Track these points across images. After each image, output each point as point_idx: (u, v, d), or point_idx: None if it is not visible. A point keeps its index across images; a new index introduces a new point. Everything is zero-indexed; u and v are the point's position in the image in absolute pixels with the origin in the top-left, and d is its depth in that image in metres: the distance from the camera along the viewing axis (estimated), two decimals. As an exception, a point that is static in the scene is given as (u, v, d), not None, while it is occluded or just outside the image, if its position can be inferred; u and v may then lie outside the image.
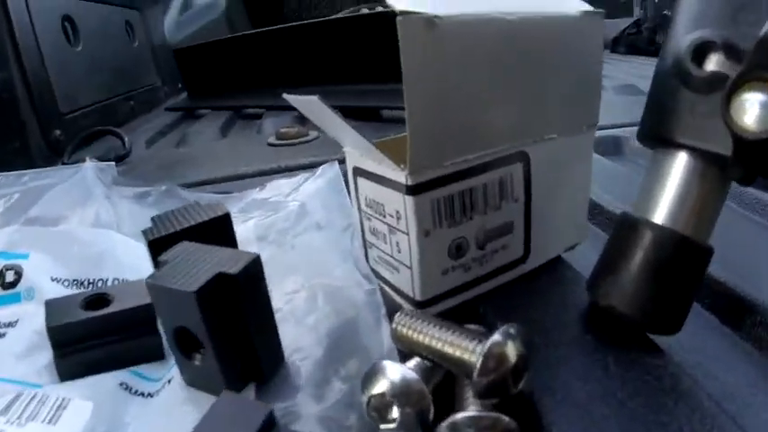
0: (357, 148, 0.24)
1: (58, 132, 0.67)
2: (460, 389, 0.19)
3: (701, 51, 0.19)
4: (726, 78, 0.17)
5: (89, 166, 0.36)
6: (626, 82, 0.83)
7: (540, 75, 0.23)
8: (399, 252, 0.23)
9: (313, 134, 0.64)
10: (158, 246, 0.22)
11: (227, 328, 0.19)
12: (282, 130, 0.63)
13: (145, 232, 0.24)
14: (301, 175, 0.36)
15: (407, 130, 0.19)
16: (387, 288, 0.25)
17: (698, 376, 0.20)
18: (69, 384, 0.20)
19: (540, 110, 0.23)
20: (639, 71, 0.96)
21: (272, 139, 0.64)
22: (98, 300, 0.23)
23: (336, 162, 0.36)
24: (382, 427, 0.17)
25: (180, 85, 1.12)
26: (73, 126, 0.70)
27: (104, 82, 0.85)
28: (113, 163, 0.43)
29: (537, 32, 0.22)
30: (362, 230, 0.26)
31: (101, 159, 0.49)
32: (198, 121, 0.88)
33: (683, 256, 0.20)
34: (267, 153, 0.59)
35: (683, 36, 0.20)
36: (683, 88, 0.20)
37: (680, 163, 0.20)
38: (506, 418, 0.17)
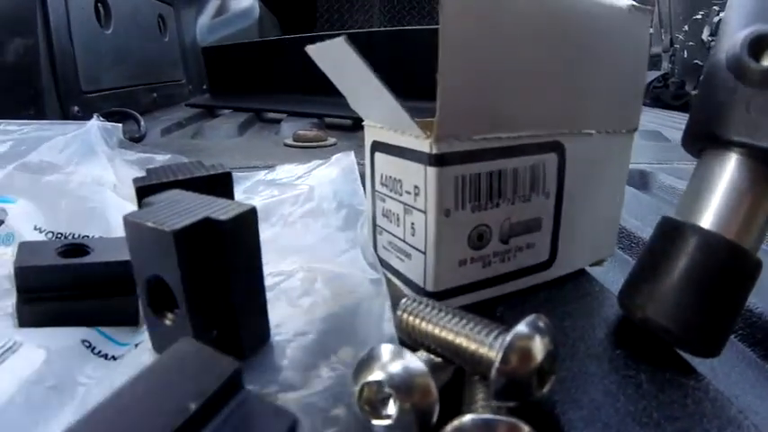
0: (381, 114, 0.22)
1: (76, 109, 0.67)
2: (470, 389, 0.17)
3: (758, 45, 0.18)
4: None
5: (94, 123, 0.35)
6: (652, 129, 0.82)
7: (584, 64, 0.21)
8: (413, 235, 0.21)
9: (331, 140, 0.63)
10: (147, 194, 0.20)
11: (207, 285, 0.16)
12: (300, 132, 0.62)
13: (135, 180, 0.21)
14: (314, 162, 0.34)
15: (437, 92, 0.17)
16: (394, 279, 0.23)
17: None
18: (26, 331, 0.18)
19: (581, 101, 0.21)
20: (664, 121, 0.95)
21: (288, 141, 0.63)
22: (75, 250, 0.20)
23: (352, 153, 0.34)
24: (374, 422, 0.15)
25: (205, 86, 1.12)
26: (92, 105, 0.70)
27: (130, 69, 0.85)
28: (120, 125, 0.41)
29: (585, 18, 0.20)
30: (374, 214, 0.24)
31: (115, 138, 0.48)
32: (217, 118, 0.88)
33: (732, 264, 0.17)
34: (282, 152, 0.58)
35: (737, 31, 0.19)
36: (739, 83, 0.18)
37: (732, 164, 0.18)
38: (526, 427, 0.14)
